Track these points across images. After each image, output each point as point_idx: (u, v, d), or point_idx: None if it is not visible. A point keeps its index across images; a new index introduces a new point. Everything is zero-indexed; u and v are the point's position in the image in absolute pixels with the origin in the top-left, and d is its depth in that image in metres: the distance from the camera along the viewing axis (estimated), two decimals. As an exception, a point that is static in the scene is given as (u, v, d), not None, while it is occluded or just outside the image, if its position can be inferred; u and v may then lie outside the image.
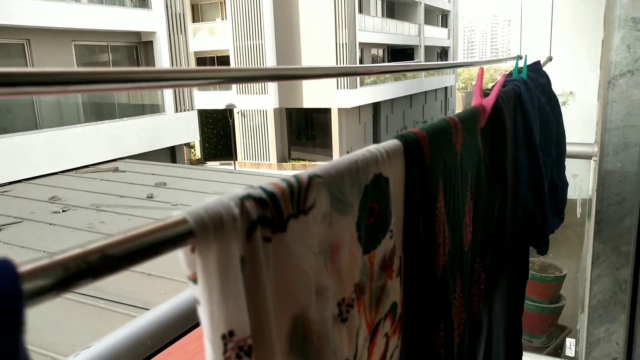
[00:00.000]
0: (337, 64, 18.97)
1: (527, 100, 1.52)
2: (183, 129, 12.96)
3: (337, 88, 20.10)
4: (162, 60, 12.56)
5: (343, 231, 0.56)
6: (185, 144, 14.01)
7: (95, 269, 0.29)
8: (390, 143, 0.67)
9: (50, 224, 6.15)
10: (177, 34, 13.04)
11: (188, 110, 13.17)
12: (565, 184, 1.89)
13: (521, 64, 1.70)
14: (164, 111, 12.53)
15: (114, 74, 0.43)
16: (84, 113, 11.01)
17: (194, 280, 0.37)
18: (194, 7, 22.54)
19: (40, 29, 10.31)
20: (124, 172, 9.36)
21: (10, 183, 8.49)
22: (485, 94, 1.19)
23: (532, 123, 1.52)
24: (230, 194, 0.39)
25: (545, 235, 1.55)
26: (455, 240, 0.88)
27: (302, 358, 0.49)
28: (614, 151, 1.85)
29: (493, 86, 1.27)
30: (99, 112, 11.33)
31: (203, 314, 0.37)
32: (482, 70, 1.25)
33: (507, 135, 1.30)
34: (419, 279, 0.74)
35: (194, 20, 22.23)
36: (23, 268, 0.27)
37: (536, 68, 1.82)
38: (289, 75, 0.77)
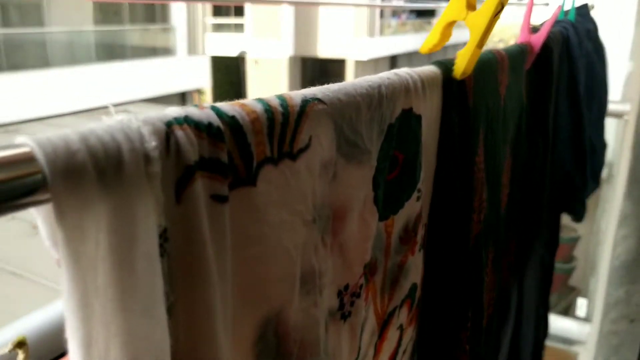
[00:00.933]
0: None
1: (576, 45, 1.32)
2: (194, 73, 12.70)
3: (355, 35, 19.39)
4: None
5: (354, 188, 0.38)
6: (196, 90, 13.79)
7: None
8: (425, 69, 0.48)
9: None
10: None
11: (200, 54, 12.87)
12: (604, 145, 1.70)
13: (568, 5, 1.48)
14: (176, 54, 12.26)
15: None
16: (96, 54, 10.77)
17: (64, 269, 0.19)
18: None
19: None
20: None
21: (19, 123, 8.32)
22: (534, 29, 0.99)
23: (579, 73, 1.32)
24: (144, 115, 0.21)
25: (583, 201, 1.37)
26: (491, 205, 0.70)
27: None
28: (654, 108, 1.68)
29: (542, 24, 1.06)
30: (111, 53, 11.08)
31: (71, 335, 0.19)
32: (532, 0, 1.03)
33: (554, 83, 1.10)
34: (446, 252, 0.57)
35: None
36: None
37: (584, 12, 1.60)
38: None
